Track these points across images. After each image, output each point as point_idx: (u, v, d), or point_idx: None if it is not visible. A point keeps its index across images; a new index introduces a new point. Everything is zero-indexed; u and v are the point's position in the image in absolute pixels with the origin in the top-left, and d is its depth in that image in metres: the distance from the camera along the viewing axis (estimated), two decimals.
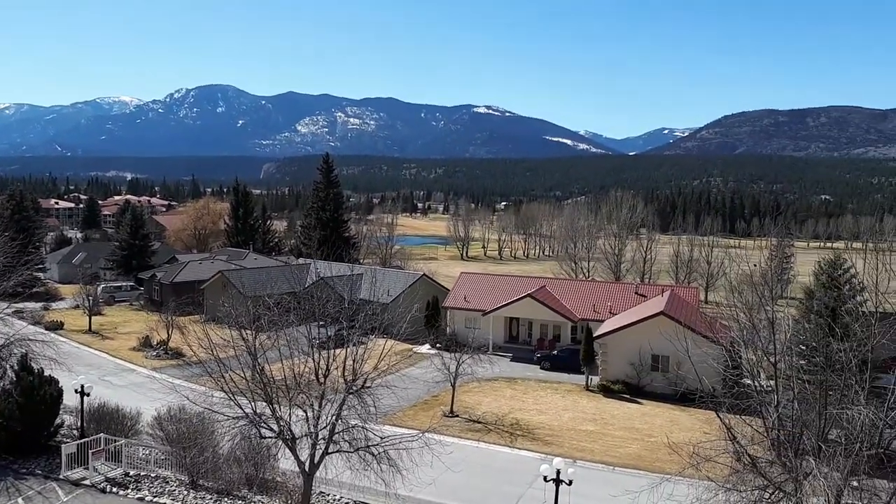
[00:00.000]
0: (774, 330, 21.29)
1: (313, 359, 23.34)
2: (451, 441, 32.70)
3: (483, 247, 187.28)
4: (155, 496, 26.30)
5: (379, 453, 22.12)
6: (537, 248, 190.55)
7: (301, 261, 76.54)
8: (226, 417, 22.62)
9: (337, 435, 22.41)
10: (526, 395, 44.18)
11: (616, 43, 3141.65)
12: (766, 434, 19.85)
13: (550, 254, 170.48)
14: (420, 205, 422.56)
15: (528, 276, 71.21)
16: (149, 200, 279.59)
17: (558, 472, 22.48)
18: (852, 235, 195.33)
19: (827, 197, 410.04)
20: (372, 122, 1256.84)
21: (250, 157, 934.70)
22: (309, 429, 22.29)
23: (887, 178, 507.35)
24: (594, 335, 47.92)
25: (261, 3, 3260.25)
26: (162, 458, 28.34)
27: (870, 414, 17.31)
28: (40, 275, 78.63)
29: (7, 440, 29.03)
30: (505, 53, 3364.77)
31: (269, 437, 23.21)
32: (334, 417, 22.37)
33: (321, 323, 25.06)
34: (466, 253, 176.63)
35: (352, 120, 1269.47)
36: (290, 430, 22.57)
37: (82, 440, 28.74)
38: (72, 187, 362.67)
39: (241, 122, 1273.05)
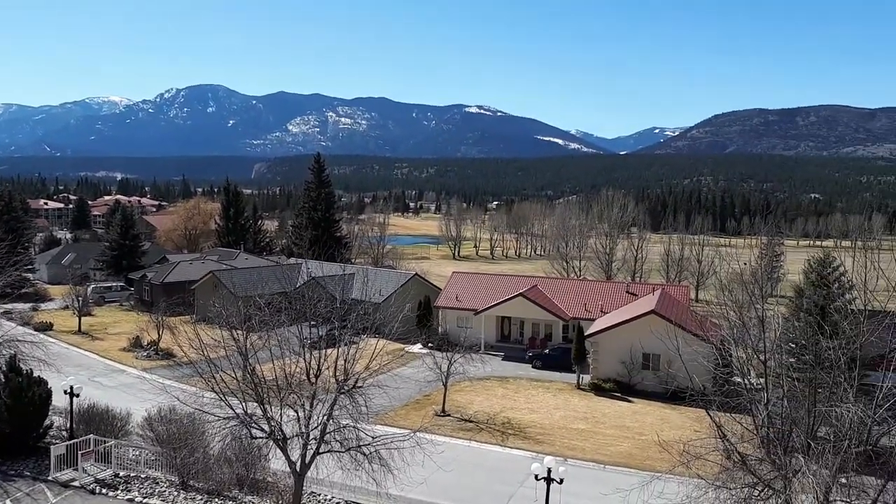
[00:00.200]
0: (764, 328, 21.40)
1: (304, 359, 23.30)
2: (443, 440, 32.67)
3: (475, 246, 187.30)
4: (145, 497, 26.22)
5: (370, 453, 22.11)
6: (529, 247, 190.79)
7: (292, 261, 76.36)
8: (216, 418, 22.56)
9: (328, 435, 22.39)
10: (517, 393, 44.25)
11: (616, 43, 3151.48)
12: (755, 432, 19.95)
13: (542, 253, 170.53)
14: (412, 204, 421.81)
15: (519, 276, 71.32)
16: (139, 200, 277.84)
17: (549, 471, 22.53)
18: (841, 234, 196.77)
19: (816, 195, 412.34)
20: (363, 122, 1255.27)
21: (241, 156, 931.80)
22: (300, 429, 22.25)
23: (875, 176, 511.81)
24: (585, 334, 48.06)
25: (251, 2, 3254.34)
26: (152, 458, 28.25)
27: (858, 411, 17.42)
28: (29, 276, 78.31)
29: None
30: (500, 54, 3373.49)
31: (260, 438, 23.18)
32: (326, 417, 22.35)
33: (312, 323, 25.02)
34: (458, 252, 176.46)
35: (343, 120, 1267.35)
36: (282, 430, 22.52)
37: (71, 441, 28.62)
38: (61, 188, 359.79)
39: (231, 121, 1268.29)
